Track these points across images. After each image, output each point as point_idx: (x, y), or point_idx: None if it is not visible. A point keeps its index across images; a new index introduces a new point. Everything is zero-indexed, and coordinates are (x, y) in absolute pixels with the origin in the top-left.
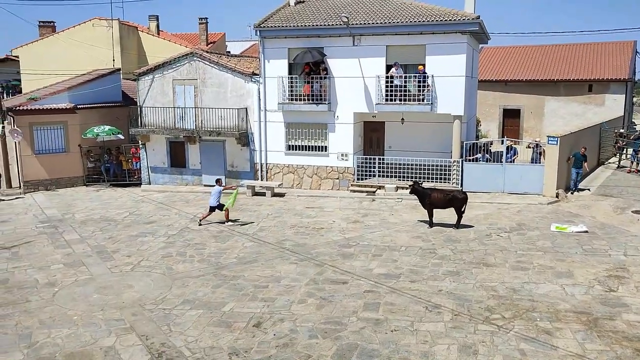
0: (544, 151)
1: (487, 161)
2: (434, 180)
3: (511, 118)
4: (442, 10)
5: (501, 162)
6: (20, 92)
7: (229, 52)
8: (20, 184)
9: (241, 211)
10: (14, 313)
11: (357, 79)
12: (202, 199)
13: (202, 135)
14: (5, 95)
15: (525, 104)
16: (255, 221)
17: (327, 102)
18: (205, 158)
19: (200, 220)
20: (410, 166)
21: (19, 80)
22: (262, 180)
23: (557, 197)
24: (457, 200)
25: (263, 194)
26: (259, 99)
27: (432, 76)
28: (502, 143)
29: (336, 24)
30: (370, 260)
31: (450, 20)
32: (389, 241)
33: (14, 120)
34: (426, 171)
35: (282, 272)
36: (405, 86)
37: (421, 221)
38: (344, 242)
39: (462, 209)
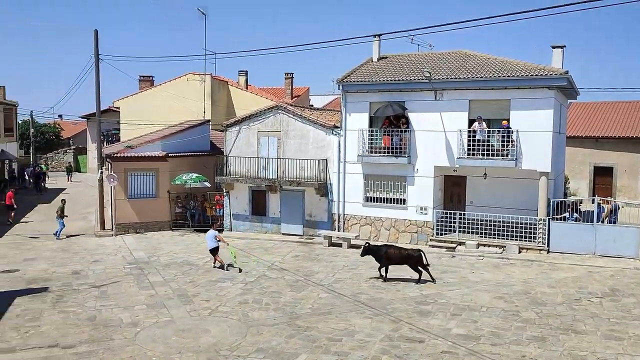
0: (611, 209)
1: (576, 220)
2: (519, 239)
3: (603, 176)
4: (527, 65)
5: (592, 222)
6: (119, 140)
7: (312, 105)
8: (112, 226)
9: (317, 261)
10: (98, 350)
11: (438, 133)
12: (280, 247)
13: (283, 185)
14: (105, 143)
15: (618, 162)
16: (329, 272)
17: (407, 155)
18: (285, 207)
19: (215, 263)
20: (492, 222)
21: (118, 130)
22: (339, 231)
23: None
24: (412, 258)
25: (339, 245)
26: (339, 151)
27: (517, 131)
28: (593, 202)
29: (418, 79)
30: (449, 320)
31: (536, 75)
32: (469, 300)
33: (111, 166)
34: (510, 228)
35: (357, 326)
36: (488, 141)
37: (372, 277)
38: (421, 298)
39: (421, 266)
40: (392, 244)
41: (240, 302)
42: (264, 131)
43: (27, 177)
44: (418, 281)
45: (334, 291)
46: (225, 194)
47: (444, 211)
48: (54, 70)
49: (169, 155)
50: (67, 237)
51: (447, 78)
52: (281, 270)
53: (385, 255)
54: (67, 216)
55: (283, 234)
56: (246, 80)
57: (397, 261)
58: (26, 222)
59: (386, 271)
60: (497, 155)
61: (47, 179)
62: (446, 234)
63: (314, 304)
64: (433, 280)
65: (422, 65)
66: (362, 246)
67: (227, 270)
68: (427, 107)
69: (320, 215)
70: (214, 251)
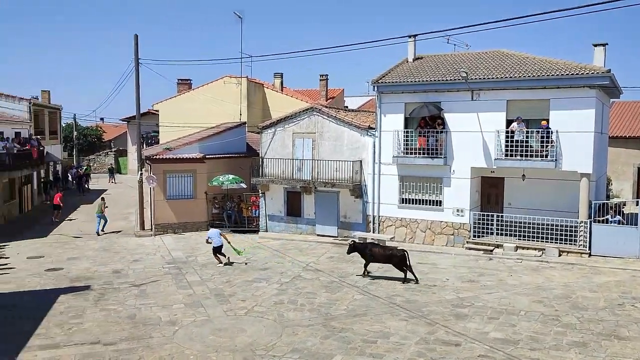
0: None
1: (619, 223)
2: (559, 242)
3: None
4: (567, 64)
5: (636, 224)
6: (158, 142)
7: (347, 106)
8: (152, 226)
9: (352, 263)
10: (137, 348)
11: (475, 134)
12: (315, 248)
13: (317, 186)
14: (145, 145)
15: None
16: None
17: (443, 156)
18: (320, 208)
19: (219, 263)
20: (531, 225)
21: (157, 132)
22: (373, 232)
23: None
24: (395, 257)
25: None
26: (374, 152)
27: (557, 131)
28: (637, 204)
29: (454, 79)
30: (486, 323)
31: (577, 74)
32: (507, 304)
33: (150, 168)
34: (549, 231)
35: (392, 329)
36: (526, 141)
37: (358, 275)
38: (458, 301)
39: (404, 266)
40: (378, 242)
41: (276, 302)
42: (299, 133)
43: (70, 179)
44: (404, 281)
45: (369, 293)
46: (260, 195)
47: (481, 213)
48: (96, 73)
49: (207, 157)
50: (112, 232)
51: (484, 78)
52: (316, 271)
53: (370, 253)
54: (107, 206)
55: (318, 235)
56: (281, 83)
57: (381, 259)
58: (70, 220)
59: (366, 266)
60: (536, 156)
61: (89, 180)
62: (483, 236)
63: (349, 306)
64: (406, 280)
65: (459, 65)
66: (348, 244)
67: (223, 266)
68: (463, 107)
69: (354, 216)
70: (218, 249)
